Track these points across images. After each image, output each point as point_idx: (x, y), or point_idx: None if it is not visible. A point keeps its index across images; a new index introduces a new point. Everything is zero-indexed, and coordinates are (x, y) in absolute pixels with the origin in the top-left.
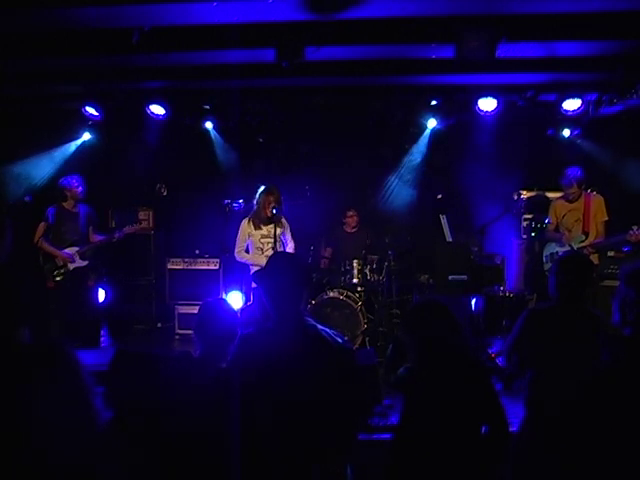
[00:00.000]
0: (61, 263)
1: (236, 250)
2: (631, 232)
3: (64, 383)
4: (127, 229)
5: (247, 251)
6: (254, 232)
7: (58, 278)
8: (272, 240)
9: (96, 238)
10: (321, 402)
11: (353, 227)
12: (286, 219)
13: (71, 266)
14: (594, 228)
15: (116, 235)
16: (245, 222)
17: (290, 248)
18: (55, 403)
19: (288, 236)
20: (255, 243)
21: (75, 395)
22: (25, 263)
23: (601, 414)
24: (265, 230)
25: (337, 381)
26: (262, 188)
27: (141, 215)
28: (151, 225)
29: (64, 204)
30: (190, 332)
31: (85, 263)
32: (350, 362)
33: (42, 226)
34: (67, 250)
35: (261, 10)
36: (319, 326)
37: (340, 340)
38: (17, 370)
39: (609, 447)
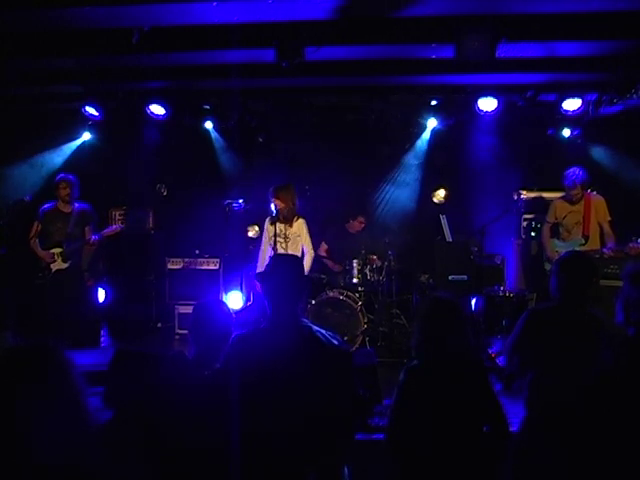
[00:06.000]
0: (44, 265)
1: (260, 249)
2: (631, 245)
3: (54, 384)
4: (105, 232)
5: None
6: (269, 228)
7: (39, 280)
8: (282, 240)
9: (91, 238)
10: (315, 403)
11: (357, 230)
12: (305, 223)
13: (53, 267)
14: (595, 231)
15: (92, 238)
16: (267, 219)
17: (307, 260)
18: (45, 403)
19: (303, 243)
20: (269, 240)
21: (65, 395)
22: (20, 263)
23: (602, 414)
24: (277, 228)
25: (331, 382)
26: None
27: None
28: (123, 224)
29: (58, 202)
30: None
31: (66, 265)
32: (345, 364)
33: (35, 225)
34: (51, 251)
35: (261, 10)
36: (314, 327)
37: (336, 342)
38: (6, 371)
39: (610, 447)
